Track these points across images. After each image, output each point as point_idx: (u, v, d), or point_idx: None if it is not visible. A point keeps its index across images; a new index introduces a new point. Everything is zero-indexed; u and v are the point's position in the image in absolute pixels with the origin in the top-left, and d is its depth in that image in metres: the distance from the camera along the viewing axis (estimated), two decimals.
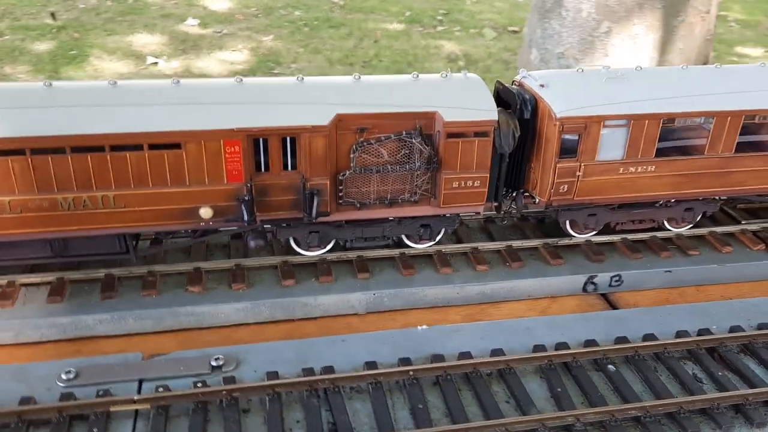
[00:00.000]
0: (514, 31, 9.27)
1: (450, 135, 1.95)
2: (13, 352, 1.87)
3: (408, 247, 2.16)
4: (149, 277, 2.03)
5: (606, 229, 2.29)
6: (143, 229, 1.94)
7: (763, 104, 2.10)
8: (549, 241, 2.27)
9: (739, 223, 2.42)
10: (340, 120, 1.89)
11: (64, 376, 1.68)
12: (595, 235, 2.28)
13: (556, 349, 1.80)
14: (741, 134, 2.14)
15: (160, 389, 1.61)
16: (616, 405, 1.65)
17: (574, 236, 2.26)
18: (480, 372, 1.69)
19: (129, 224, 1.90)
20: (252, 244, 2.08)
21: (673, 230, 2.32)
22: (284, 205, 1.97)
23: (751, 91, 2.11)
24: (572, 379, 1.73)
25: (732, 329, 1.90)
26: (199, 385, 1.63)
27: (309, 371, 1.68)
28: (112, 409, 1.56)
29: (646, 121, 2.05)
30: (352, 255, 2.15)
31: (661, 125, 2.07)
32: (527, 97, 2.06)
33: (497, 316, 2.05)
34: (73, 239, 1.95)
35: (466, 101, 1.97)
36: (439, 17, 9.94)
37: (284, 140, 1.89)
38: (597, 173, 2.11)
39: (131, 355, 1.78)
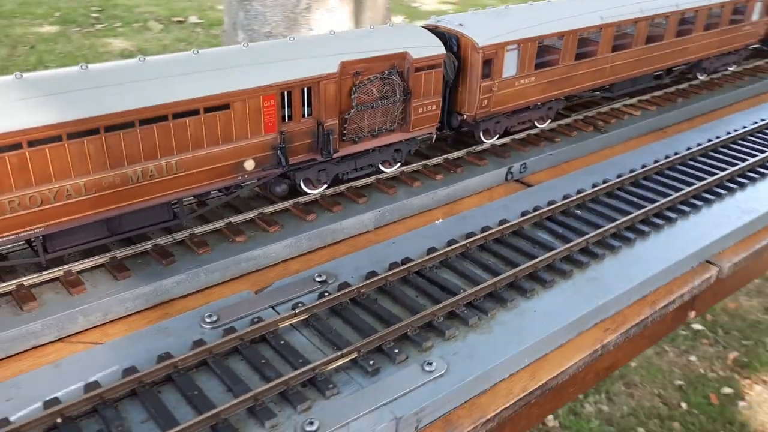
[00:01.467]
0: (180, 21, 9.60)
1: (417, 69, 2.44)
2: (107, 330, 1.89)
3: (382, 172, 2.60)
4: (194, 238, 2.17)
5: (504, 133, 3.01)
6: (198, 191, 2.07)
7: (591, 22, 3.01)
8: (469, 149, 2.91)
9: (577, 112, 3.35)
10: (344, 67, 2.26)
11: (207, 320, 1.82)
12: (498, 138, 2.97)
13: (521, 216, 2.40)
14: (578, 48, 3.03)
15: (299, 305, 1.86)
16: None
17: (485, 142, 2.94)
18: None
19: (186, 188, 2.03)
20: (278, 189, 2.32)
21: (540, 126, 3.14)
22: (304, 149, 2.26)
23: (583, 14, 3.00)
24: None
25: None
26: (326, 294, 1.91)
27: (397, 263, 2.07)
28: (281, 325, 1.78)
29: (529, 44, 2.80)
30: (342, 188, 2.52)
31: (537, 46, 2.84)
32: (452, 35, 2.65)
33: (463, 208, 2.60)
34: (128, 215, 1.99)
35: (422, 42, 2.47)
36: (95, 15, 9.76)
37: (303, 90, 2.20)
38: (503, 88, 2.79)
39: (244, 293, 1.96)
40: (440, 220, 2.42)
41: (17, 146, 1.70)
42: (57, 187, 1.79)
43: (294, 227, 2.30)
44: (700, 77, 3.99)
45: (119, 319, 1.93)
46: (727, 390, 4.03)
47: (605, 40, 3.13)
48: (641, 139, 3.33)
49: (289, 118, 2.20)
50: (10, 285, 1.88)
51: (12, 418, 1.50)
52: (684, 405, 3.92)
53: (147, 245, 2.10)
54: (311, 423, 1.51)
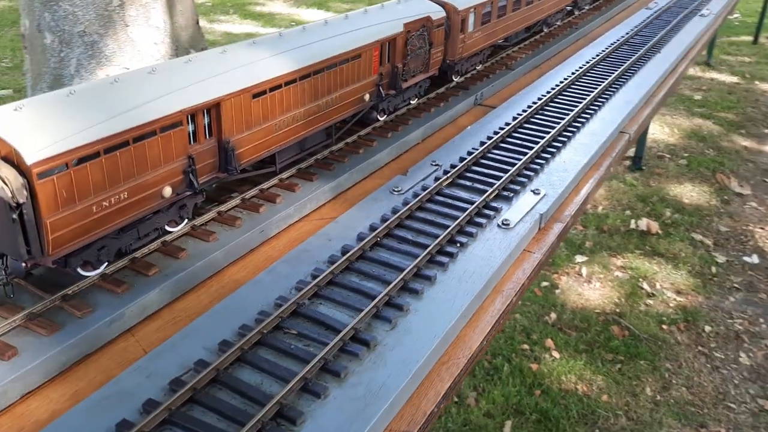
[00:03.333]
0: None
1: (436, 26, 3.56)
2: (326, 212, 2.74)
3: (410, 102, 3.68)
4: (326, 158, 3.06)
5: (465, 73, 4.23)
6: (345, 116, 2.99)
7: None
8: (449, 84, 4.08)
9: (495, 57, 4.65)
10: (405, 27, 3.30)
11: (395, 191, 2.77)
12: (462, 76, 4.19)
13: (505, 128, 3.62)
14: (498, 12, 4.33)
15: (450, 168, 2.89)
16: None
17: (455, 80, 4.13)
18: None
19: (339, 114, 2.96)
20: (375, 116, 3.30)
21: (478, 68, 4.41)
22: (386, 86, 3.29)
23: None
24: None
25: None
26: (445, 172, 2.96)
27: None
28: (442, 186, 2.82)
29: (479, 8, 4.03)
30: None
31: (482, 10, 4.09)
32: (441, 3, 3.79)
33: (454, 133, 3.74)
34: (310, 137, 2.86)
35: (434, 9, 3.56)
36: None
37: (385, 44, 3.21)
38: (469, 39, 4.00)
39: (398, 176, 2.93)
40: (469, 126, 3.58)
41: (277, 87, 2.53)
42: (284, 118, 2.64)
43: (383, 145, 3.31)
44: (545, 29, 5.58)
45: (327, 202, 2.81)
46: (545, 283, 4.89)
47: (509, 6, 4.50)
48: (536, 71, 4.78)
49: (380, 63, 3.20)
50: (258, 188, 2.68)
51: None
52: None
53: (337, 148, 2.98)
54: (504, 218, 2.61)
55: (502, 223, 2.56)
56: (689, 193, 5.89)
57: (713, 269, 4.76)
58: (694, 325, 4.14)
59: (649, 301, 4.35)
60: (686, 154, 6.69)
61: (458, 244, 2.39)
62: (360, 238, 2.37)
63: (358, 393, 1.72)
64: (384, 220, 2.49)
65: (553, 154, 3.20)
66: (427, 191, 2.69)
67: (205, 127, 2.21)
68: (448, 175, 2.87)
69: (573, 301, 4.31)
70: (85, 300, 1.98)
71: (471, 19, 3.96)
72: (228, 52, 2.45)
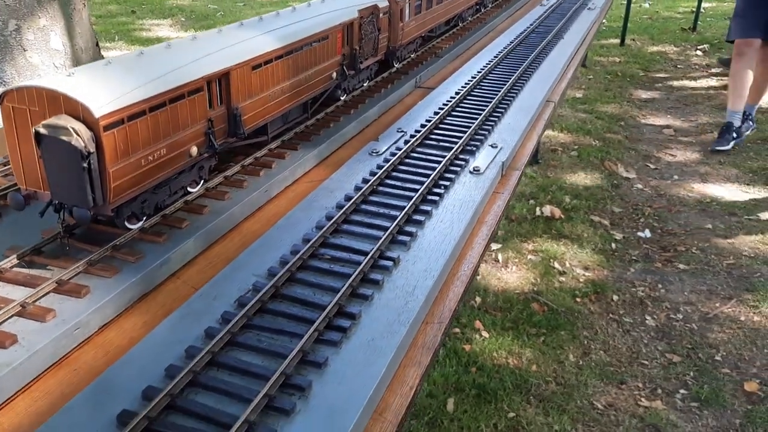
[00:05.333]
0: None
1: (382, 14, 3.94)
2: (315, 175, 3.03)
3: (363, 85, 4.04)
4: (303, 132, 3.37)
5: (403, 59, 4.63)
6: (318, 92, 3.30)
7: None
8: (392, 70, 4.47)
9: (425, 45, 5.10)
10: (359, 13, 3.65)
11: (374, 151, 3.10)
12: (401, 62, 4.60)
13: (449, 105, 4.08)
14: (426, 4, 4.77)
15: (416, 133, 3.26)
16: None
17: (396, 66, 4.52)
18: None
19: (313, 90, 3.26)
20: (340, 96, 3.61)
21: (412, 56, 4.84)
22: (348, 66, 3.62)
23: None
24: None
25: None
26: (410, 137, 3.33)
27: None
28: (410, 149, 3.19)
29: (413, 0, 4.45)
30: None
31: (415, 2, 4.51)
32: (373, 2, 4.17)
33: (406, 108, 4.16)
34: (292, 111, 3.13)
35: None
36: None
37: (345, 28, 3.54)
38: (406, 27, 4.40)
39: (370, 143, 3.26)
40: (420, 101, 3.98)
41: (269, 61, 2.81)
42: (275, 90, 2.92)
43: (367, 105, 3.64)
44: (461, 23, 6.11)
45: (313, 168, 3.11)
46: None
47: (434, 0, 4.98)
48: (460, 58, 5.27)
49: (347, 43, 3.54)
50: (253, 157, 2.94)
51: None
52: None
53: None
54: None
55: (473, 170, 2.96)
56: (583, 180, 6.52)
57: (613, 245, 5.32)
58: (603, 295, 4.65)
59: (562, 279, 4.85)
60: (576, 147, 7.45)
61: (442, 187, 2.76)
62: (357, 188, 2.69)
63: (396, 294, 2.05)
64: (373, 174, 2.82)
65: (498, 118, 3.65)
66: (402, 150, 3.05)
67: (218, 94, 2.47)
68: (416, 138, 3.24)
69: (494, 285, 4.73)
70: (133, 249, 2.19)
71: (407, 9, 4.37)
72: (223, 32, 2.72)
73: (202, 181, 2.58)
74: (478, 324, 4.42)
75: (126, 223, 2.20)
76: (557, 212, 5.95)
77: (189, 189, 2.51)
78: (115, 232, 2.24)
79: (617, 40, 12.35)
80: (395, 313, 1.97)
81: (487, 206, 2.84)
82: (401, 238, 2.37)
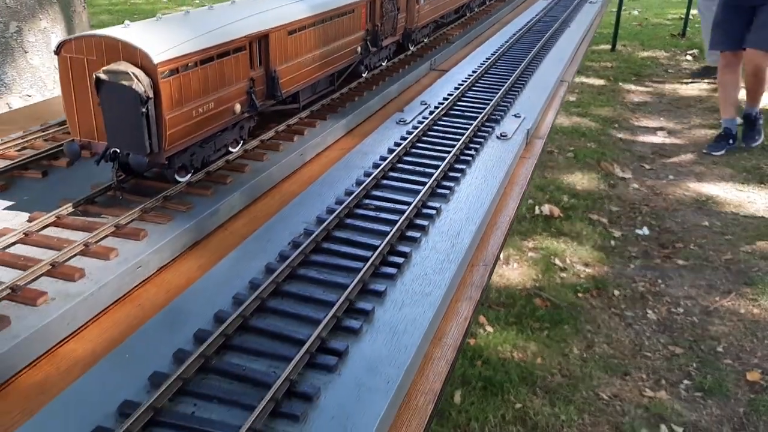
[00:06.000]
0: None
1: None
2: (344, 144, 3.10)
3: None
4: (330, 104, 3.43)
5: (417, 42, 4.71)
6: (344, 65, 3.37)
7: None
8: (407, 52, 4.56)
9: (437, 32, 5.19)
10: None
11: (401, 120, 3.17)
12: (416, 45, 4.68)
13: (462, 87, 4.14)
14: None
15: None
16: None
17: (411, 49, 4.61)
18: None
19: (340, 62, 3.34)
20: (364, 69, 3.69)
21: (425, 41, 4.93)
22: (370, 42, 3.70)
23: None
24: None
25: None
26: (434, 108, 3.41)
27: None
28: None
29: None
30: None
31: None
32: None
33: (424, 87, 4.25)
34: (320, 80, 3.20)
35: None
36: None
37: (369, 4, 3.62)
38: (421, 11, 4.49)
39: (396, 114, 3.33)
40: (439, 79, 4.05)
41: (303, 28, 2.89)
42: (307, 57, 3.00)
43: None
44: (468, 13, 6.22)
45: (343, 137, 3.18)
46: None
47: None
48: (471, 45, 5.37)
49: (368, 20, 3.62)
50: (285, 124, 3.00)
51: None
52: None
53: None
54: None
55: (501, 135, 3.04)
56: (580, 180, 6.60)
57: (612, 243, 5.39)
58: (605, 291, 4.70)
59: (563, 275, 4.91)
60: (572, 148, 7.54)
61: (473, 149, 2.84)
62: (390, 150, 2.76)
63: (442, 238, 2.12)
64: (403, 138, 2.89)
65: (517, 93, 3.73)
66: (429, 119, 3.12)
67: (258, 56, 2.54)
68: (440, 108, 3.32)
69: (496, 281, 4.77)
70: (183, 200, 2.25)
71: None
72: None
73: (242, 142, 2.64)
74: (482, 319, 4.47)
75: (176, 176, 2.26)
76: (556, 211, 6.03)
77: (230, 149, 2.57)
78: (164, 186, 2.30)
79: (608, 46, 12.54)
80: (444, 254, 2.04)
81: (517, 168, 2.92)
82: (440, 191, 2.44)
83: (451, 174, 2.59)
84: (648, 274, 5.08)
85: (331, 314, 1.64)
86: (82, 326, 1.74)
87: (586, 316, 4.54)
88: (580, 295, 4.79)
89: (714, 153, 6.69)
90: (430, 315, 1.73)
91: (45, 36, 4.97)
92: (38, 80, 4.99)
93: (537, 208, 6.08)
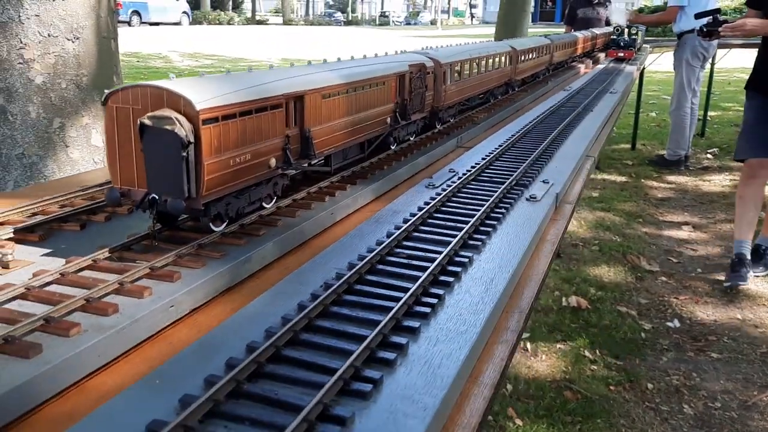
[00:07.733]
0: None
1: (428, 73, 4.19)
2: (374, 206, 3.13)
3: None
4: (364, 168, 3.50)
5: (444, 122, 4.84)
6: (374, 134, 3.46)
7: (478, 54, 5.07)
8: (434, 130, 4.67)
9: (462, 114, 5.34)
10: (409, 67, 3.89)
11: (430, 185, 3.21)
12: (443, 124, 4.80)
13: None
14: (469, 69, 5.05)
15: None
16: None
17: (438, 127, 4.72)
18: None
19: (370, 131, 3.43)
20: (392, 141, 3.78)
21: (452, 120, 5.06)
22: (399, 115, 3.81)
23: (465, 51, 5.05)
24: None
25: None
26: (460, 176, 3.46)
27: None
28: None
29: (455, 65, 4.72)
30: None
31: (457, 66, 4.78)
32: (429, 57, 4.43)
33: (451, 159, 4.34)
34: (351, 147, 3.28)
35: (424, 59, 4.21)
36: None
37: (399, 78, 3.76)
38: (448, 90, 4.64)
39: (424, 180, 3.37)
40: (466, 152, 4.13)
41: (336, 94, 3.00)
42: (340, 122, 3.09)
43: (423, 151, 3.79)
44: (492, 100, 6.41)
45: (372, 201, 3.22)
46: None
47: (486, 65, 5.26)
48: (496, 126, 5.49)
49: (398, 93, 3.75)
50: (317, 186, 3.06)
51: None
52: None
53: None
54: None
55: (530, 197, 3.06)
56: (606, 273, 6.58)
57: (642, 335, 5.31)
58: (638, 383, 4.60)
59: (593, 367, 4.82)
60: (597, 242, 7.59)
61: (503, 209, 2.85)
62: (420, 208, 2.79)
63: (476, 283, 2.10)
64: (432, 198, 2.92)
65: (545, 162, 3.78)
66: (457, 183, 3.17)
67: (293, 115, 2.63)
68: (468, 175, 3.36)
69: (524, 373, 4.70)
70: (217, 248, 2.27)
71: (449, 74, 4.63)
72: (296, 66, 2.93)
73: (275, 198, 2.69)
74: (510, 411, 4.34)
75: (211, 224, 2.30)
76: (583, 303, 5.97)
77: (264, 204, 2.61)
78: (198, 235, 2.33)
79: (628, 145, 12.79)
80: (478, 297, 2.01)
81: (548, 228, 2.91)
82: (472, 242, 2.44)
83: (482, 228, 2.59)
84: (681, 367, 4.94)
85: (364, 345, 1.61)
86: (113, 360, 1.72)
87: (620, 409, 4.39)
88: (612, 388, 4.65)
89: (741, 284, 5.84)
90: (465, 351, 1.69)
91: (86, 131, 5.18)
92: (76, 173, 5.17)
93: (564, 299, 6.03)
